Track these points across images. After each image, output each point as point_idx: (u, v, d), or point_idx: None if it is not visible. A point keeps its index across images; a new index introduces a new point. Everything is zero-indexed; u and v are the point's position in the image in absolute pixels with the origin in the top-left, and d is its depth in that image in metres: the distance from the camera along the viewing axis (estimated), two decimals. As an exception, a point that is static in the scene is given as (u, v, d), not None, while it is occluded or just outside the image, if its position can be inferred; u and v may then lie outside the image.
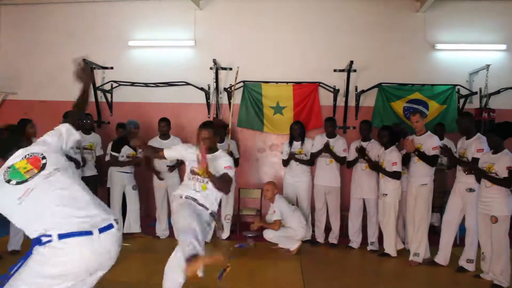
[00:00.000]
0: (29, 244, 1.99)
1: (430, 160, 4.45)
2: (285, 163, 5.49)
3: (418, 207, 4.52)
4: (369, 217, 5.10)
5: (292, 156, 5.35)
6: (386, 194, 4.77)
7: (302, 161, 5.37)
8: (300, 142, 5.43)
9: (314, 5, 6.66)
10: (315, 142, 5.40)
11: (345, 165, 5.37)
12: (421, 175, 4.51)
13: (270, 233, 5.03)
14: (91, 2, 6.98)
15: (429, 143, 4.48)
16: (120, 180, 5.35)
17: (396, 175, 4.69)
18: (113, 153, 5.29)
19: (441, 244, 4.45)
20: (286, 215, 5.04)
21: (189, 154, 3.24)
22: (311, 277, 4.13)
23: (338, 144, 5.30)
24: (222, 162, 3.24)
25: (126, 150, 5.32)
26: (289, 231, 5.00)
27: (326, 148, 5.21)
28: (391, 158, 4.73)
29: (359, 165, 5.14)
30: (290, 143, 5.48)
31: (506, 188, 3.80)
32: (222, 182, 3.12)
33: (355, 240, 5.20)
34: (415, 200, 4.55)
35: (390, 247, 4.79)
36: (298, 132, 5.41)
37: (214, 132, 3.35)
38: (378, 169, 4.86)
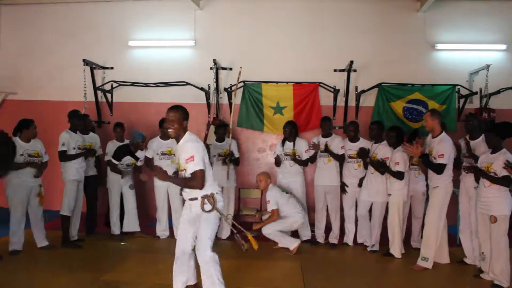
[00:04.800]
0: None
1: (434, 168, 4.26)
2: (277, 163, 5.51)
3: (428, 210, 4.41)
4: (373, 219, 5.06)
5: (292, 158, 5.35)
6: (390, 194, 4.77)
7: (296, 161, 5.38)
8: (292, 143, 5.43)
9: (314, 5, 6.66)
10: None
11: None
12: (434, 177, 4.34)
13: (269, 228, 4.99)
14: (91, 2, 6.97)
15: (437, 148, 4.27)
16: (118, 180, 5.36)
17: (399, 175, 4.67)
18: (113, 161, 5.29)
19: (464, 246, 4.47)
20: (281, 203, 5.04)
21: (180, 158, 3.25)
22: (311, 277, 4.13)
23: (335, 143, 5.32)
24: (183, 155, 3.17)
25: (126, 160, 5.33)
26: (287, 221, 5.01)
27: (325, 149, 5.24)
28: (394, 158, 4.72)
29: (369, 168, 5.07)
30: (283, 144, 5.50)
31: (505, 188, 3.80)
32: (184, 183, 3.19)
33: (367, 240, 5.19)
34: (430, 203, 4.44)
35: (395, 249, 4.77)
36: (288, 132, 5.42)
37: (181, 116, 3.39)
38: (383, 169, 4.83)
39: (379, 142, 5.06)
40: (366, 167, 5.14)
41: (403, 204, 4.76)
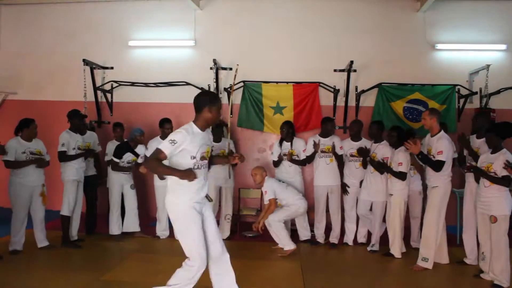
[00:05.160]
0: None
1: (433, 165, 4.24)
2: (276, 163, 5.51)
3: (426, 210, 4.40)
4: (374, 219, 5.06)
5: (289, 159, 5.35)
6: (392, 194, 4.75)
7: (295, 162, 5.38)
8: (290, 143, 5.44)
9: (314, 5, 6.66)
10: (308, 145, 5.41)
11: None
12: (432, 177, 4.33)
13: (273, 216, 4.90)
14: (91, 2, 6.98)
15: (435, 146, 4.28)
16: (119, 180, 5.36)
17: (401, 176, 4.65)
18: (114, 159, 5.29)
19: (466, 247, 4.45)
20: (279, 193, 5.01)
21: (190, 142, 3.00)
22: (311, 277, 4.13)
23: (334, 143, 5.33)
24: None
25: (127, 156, 5.33)
26: (290, 208, 4.98)
27: (315, 146, 5.25)
28: (397, 158, 4.70)
29: (368, 168, 5.08)
30: (280, 144, 5.50)
31: (505, 188, 3.80)
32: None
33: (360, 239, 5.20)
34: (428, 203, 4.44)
35: (395, 249, 4.76)
36: (285, 133, 5.43)
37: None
38: (384, 169, 4.83)
39: (378, 142, 5.06)
40: (365, 167, 5.14)
41: (404, 204, 4.76)
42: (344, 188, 5.33)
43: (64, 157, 4.87)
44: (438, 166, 4.21)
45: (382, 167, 4.86)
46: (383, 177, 4.93)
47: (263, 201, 5.16)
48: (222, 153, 5.45)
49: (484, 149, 4.21)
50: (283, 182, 5.22)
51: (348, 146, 5.30)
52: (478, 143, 4.40)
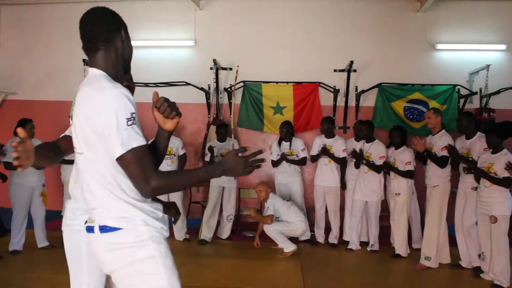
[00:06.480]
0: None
1: (438, 161, 4.32)
2: (275, 163, 5.51)
3: (428, 209, 4.43)
4: (370, 219, 5.07)
5: (284, 158, 5.36)
6: (399, 194, 4.73)
7: (294, 162, 5.38)
8: (288, 143, 5.44)
9: (314, 5, 6.67)
10: (314, 144, 5.41)
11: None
12: (433, 176, 4.39)
13: (271, 226, 4.93)
14: (91, 2, 6.95)
15: (439, 143, 4.36)
16: None
17: (409, 174, 4.68)
18: None
19: (460, 248, 4.41)
20: (282, 212, 5.03)
21: None
22: (311, 277, 4.13)
23: (337, 145, 5.31)
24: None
25: None
26: (290, 226, 4.99)
27: (323, 151, 5.22)
28: (404, 157, 4.71)
29: (362, 168, 5.07)
30: (279, 144, 5.50)
31: (505, 188, 3.81)
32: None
33: (354, 241, 5.17)
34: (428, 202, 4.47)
35: (401, 248, 4.75)
36: (285, 133, 5.43)
37: None
38: (389, 168, 4.83)
39: (370, 142, 5.08)
40: (357, 167, 5.12)
41: (409, 202, 4.79)
42: (344, 188, 5.36)
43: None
44: (443, 162, 4.30)
45: (388, 167, 4.86)
46: (378, 177, 4.95)
47: (263, 212, 5.19)
48: (226, 152, 5.44)
49: (475, 149, 4.21)
50: (287, 200, 5.22)
51: (352, 146, 5.29)
52: (468, 143, 4.36)
